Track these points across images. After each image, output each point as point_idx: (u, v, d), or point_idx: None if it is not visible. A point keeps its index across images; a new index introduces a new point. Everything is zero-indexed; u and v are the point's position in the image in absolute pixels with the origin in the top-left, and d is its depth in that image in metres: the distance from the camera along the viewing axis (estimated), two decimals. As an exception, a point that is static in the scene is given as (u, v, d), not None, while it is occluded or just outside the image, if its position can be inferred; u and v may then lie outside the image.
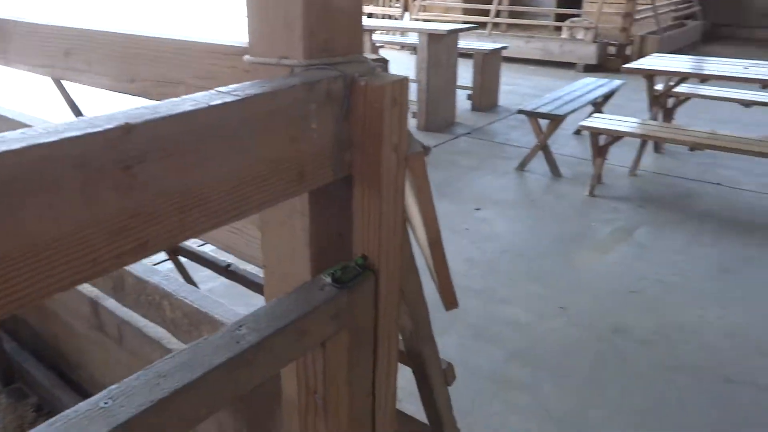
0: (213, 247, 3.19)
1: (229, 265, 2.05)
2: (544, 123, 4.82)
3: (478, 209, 4.24)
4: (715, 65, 4.82)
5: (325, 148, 0.79)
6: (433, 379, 1.49)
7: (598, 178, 4.47)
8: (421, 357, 1.43)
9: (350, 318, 0.82)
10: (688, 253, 3.62)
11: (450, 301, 0.91)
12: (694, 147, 4.64)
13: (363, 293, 0.84)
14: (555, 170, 4.81)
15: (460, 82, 6.30)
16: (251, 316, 0.75)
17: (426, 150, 0.86)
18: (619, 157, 4.91)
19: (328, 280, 0.83)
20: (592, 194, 4.41)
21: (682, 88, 5.00)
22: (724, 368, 2.64)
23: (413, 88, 6.02)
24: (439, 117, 6.02)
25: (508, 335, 2.87)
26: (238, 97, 0.68)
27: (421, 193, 0.84)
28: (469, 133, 5.93)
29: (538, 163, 4.93)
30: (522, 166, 4.94)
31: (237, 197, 0.69)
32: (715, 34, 10.83)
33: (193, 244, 2.24)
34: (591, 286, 3.29)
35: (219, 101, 0.66)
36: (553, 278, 3.37)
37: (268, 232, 0.96)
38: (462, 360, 2.69)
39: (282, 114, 0.72)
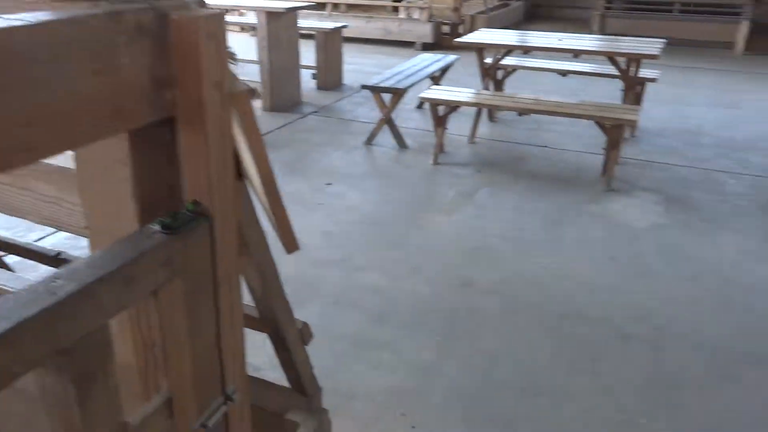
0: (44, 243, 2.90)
1: (59, 254, 1.87)
2: (387, 98, 4.96)
3: (329, 184, 4.28)
4: (535, 39, 5.26)
5: (140, 84, 0.75)
6: (290, 340, 1.49)
7: (440, 147, 4.70)
8: (275, 318, 1.42)
9: (183, 264, 0.79)
10: (522, 210, 3.94)
11: (290, 243, 0.90)
12: (523, 112, 5.05)
13: (196, 239, 0.81)
14: (401, 142, 4.98)
15: (303, 61, 6.26)
16: (69, 268, 0.69)
17: (252, 92, 0.84)
18: (459, 127, 5.20)
19: (157, 227, 0.79)
20: (436, 162, 4.63)
21: (508, 61, 5.40)
22: (559, 307, 2.93)
23: (255, 69, 5.89)
24: (284, 97, 5.94)
25: (367, 299, 2.94)
26: (27, 23, 0.61)
27: (250, 133, 0.83)
28: (316, 112, 5.93)
29: (385, 137, 5.07)
30: (370, 141, 5.05)
31: (35, 135, 0.63)
32: (535, 14, 11.79)
33: (19, 238, 2.02)
34: (440, 247, 3.47)
35: (3, 24, 0.59)
36: (406, 242, 3.51)
37: (87, 188, 0.89)
38: (324, 327, 2.71)
39: (83, 44, 0.67)
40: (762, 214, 3.90)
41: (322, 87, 6.62)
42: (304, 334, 1.56)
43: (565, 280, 3.15)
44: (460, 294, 3.01)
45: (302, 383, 1.62)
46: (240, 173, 0.95)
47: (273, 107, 5.81)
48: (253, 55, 5.97)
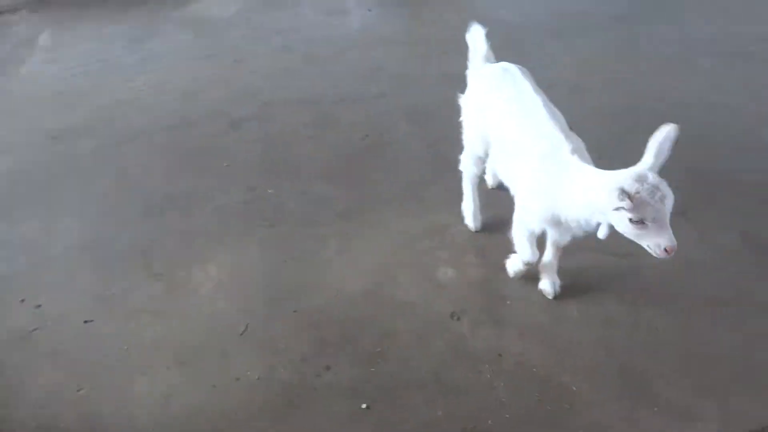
0: None
1: None
2: None
3: None
4: None
5: None
6: None
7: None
8: None
9: None
10: (99, 39, 3.45)
11: None
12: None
13: None
14: None
15: None
16: None
17: None
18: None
19: None
20: (-25, 17, 3.69)
21: None
22: (165, 121, 2.70)
23: None
24: None
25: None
26: None
27: None
28: None
29: None
30: None
31: None
32: None
33: None
34: (13, 108, 2.87)
35: None
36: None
37: None
38: None
39: None
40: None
41: None
42: None
43: (163, 94, 2.92)
44: (52, 149, 2.57)
45: None
46: None
47: None
48: None
